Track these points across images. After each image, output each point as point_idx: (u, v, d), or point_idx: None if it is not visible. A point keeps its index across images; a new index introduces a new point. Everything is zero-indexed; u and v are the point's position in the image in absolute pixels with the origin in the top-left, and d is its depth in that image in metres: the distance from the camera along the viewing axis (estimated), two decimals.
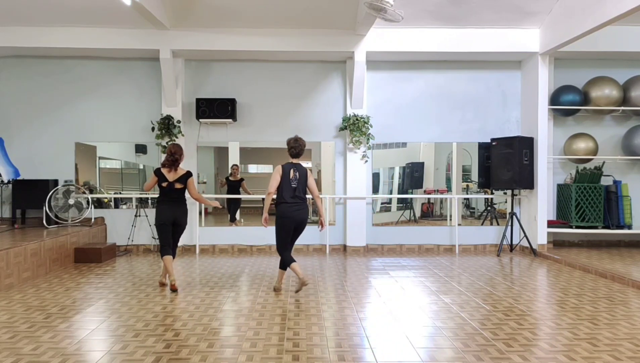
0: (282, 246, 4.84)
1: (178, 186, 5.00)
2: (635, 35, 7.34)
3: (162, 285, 5.25)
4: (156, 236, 7.64)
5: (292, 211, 4.72)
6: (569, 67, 7.85)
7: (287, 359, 3.10)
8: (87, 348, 3.33)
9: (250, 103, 7.81)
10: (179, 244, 5.52)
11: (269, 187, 4.75)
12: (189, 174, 5.08)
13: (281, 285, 5.05)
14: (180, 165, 5.08)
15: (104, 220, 7.71)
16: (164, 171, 5.00)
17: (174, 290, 4.94)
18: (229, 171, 8.10)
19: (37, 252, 5.72)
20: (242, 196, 8.24)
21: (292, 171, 4.75)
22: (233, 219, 8.27)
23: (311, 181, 4.89)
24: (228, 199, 8.21)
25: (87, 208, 7.39)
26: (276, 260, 6.93)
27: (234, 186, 8.08)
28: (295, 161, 4.85)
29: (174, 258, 5.14)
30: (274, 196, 4.83)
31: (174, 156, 4.96)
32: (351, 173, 7.66)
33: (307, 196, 4.94)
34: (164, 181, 4.98)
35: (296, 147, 4.82)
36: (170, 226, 5.03)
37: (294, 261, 4.79)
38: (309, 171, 4.88)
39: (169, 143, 5.00)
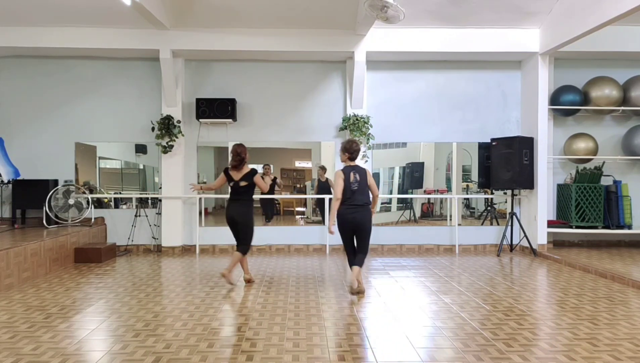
0: (345, 248, 4.92)
1: (243, 184, 5.09)
2: (635, 35, 7.34)
3: (248, 281, 5.37)
4: (156, 237, 7.68)
5: (347, 213, 4.69)
6: (569, 67, 7.85)
7: (287, 359, 3.10)
8: (87, 348, 3.33)
9: (250, 103, 7.82)
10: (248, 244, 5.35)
11: (336, 193, 4.71)
12: (253, 172, 5.13)
13: (357, 285, 4.76)
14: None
15: (104, 220, 7.71)
16: (231, 171, 5.14)
17: (227, 281, 5.22)
18: (262, 171, 8.11)
19: (37, 252, 5.72)
20: (276, 195, 8.31)
21: (352, 174, 4.74)
22: (270, 219, 8.31)
23: (371, 181, 4.82)
24: (262, 199, 8.24)
25: (87, 208, 7.39)
26: (276, 260, 6.94)
27: (270, 185, 8.10)
28: (353, 163, 4.85)
29: (244, 254, 5.20)
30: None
31: (240, 156, 5.09)
32: None
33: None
34: (230, 180, 5.13)
35: (358, 150, 4.87)
36: (234, 224, 5.15)
37: (353, 265, 4.79)
38: (368, 171, 4.88)
39: (234, 144, 5.25)
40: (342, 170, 4.78)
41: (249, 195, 5.17)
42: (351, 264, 4.84)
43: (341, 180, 4.71)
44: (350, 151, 4.82)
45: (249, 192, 5.16)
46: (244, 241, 5.19)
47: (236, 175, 5.11)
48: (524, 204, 7.85)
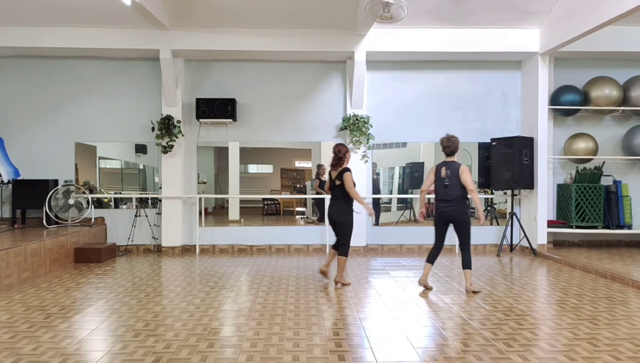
0: (435, 242, 5.11)
1: (338, 183, 5.13)
2: (635, 35, 7.34)
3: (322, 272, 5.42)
4: (156, 237, 7.67)
5: (440, 208, 4.94)
6: (569, 67, 7.85)
7: (287, 359, 3.10)
8: (87, 348, 3.33)
9: (250, 103, 7.81)
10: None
11: (422, 185, 5.13)
12: (344, 169, 5.14)
13: (425, 279, 5.08)
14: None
15: (104, 220, 7.71)
16: (332, 171, 5.22)
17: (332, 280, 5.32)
18: (316, 172, 8.09)
19: (37, 252, 5.72)
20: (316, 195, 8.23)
21: (443, 169, 4.91)
22: (322, 219, 8.24)
23: (465, 177, 4.80)
24: (316, 199, 8.23)
25: (87, 208, 7.39)
26: (276, 260, 6.93)
27: (323, 186, 8.05)
28: (449, 159, 4.96)
29: (343, 256, 5.22)
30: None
31: (337, 156, 5.18)
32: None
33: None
34: (331, 179, 5.23)
35: (449, 146, 4.91)
36: (332, 223, 5.24)
37: (430, 263, 5.05)
38: (462, 167, 4.84)
39: (336, 144, 5.33)
40: (436, 165, 5.03)
41: (344, 194, 5.14)
42: (429, 260, 5.06)
43: (432, 174, 5.01)
44: (442, 146, 4.96)
45: (344, 191, 5.13)
46: (340, 240, 5.20)
47: (334, 174, 5.20)
48: (524, 204, 7.85)
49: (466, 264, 4.91)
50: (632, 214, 7.61)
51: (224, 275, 5.85)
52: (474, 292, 4.91)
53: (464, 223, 4.87)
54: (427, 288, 5.07)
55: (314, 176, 8.26)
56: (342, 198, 5.14)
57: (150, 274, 5.89)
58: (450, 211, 4.86)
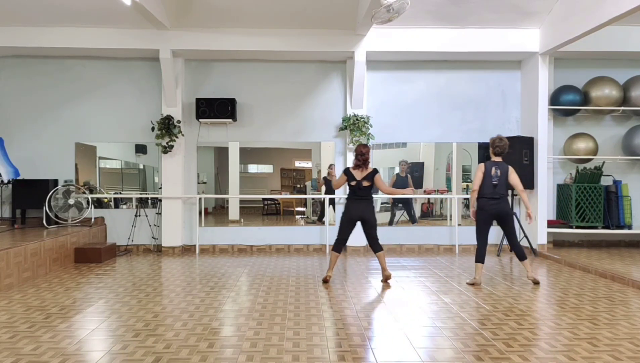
0: (478, 237, 5.24)
1: (366, 184, 5.21)
2: (635, 35, 7.34)
3: (325, 281, 5.36)
4: (156, 237, 7.66)
5: (488, 205, 5.10)
6: (569, 67, 7.85)
7: (287, 359, 3.10)
8: (87, 348, 3.33)
9: (250, 103, 7.81)
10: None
11: (473, 185, 5.17)
12: (375, 171, 5.25)
13: (478, 278, 5.26)
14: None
15: (104, 220, 7.71)
16: (354, 171, 5.27)
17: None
18: (327, 171, 8.09)
19: (37, 252, 5.72)
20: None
21: (493, 168, 5.09)
22: (321, 219, 8.28)
23: (513, 177, 5.16)
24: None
25: (87, 208, 7.39)
26: (276, 260, 6.93)
27: (329, 186, 8.03)
28: (497, 159, 5.16)
29: (376, 249, 5.33)
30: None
31: (364, 156, 5.23)
32: None
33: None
34: (352, 180, 5.24)
35: (500, 146, 5.14)
36: (354, 224, 5.29)
37: (482, 262, 5.19)
38: (510, 168, 5.16)
39: (357, 144, 5.54)
40: (484, 164, 5.13)
41: (371, 194, 5.31)
42: (479, 258, 5.20)
43: (480, 173, 5.10)
44: (493, 146, 5.16)
45: (371, 191, 5.29)
46: (376, 238, 5.32)
47: (358, 175, 5.23)
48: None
49: (522, 256, 5.27)
50: (632, 214, 7.61)
51: (224, 275, 5.85)
52: (535, 283, 5.23)
53: (511, 217, 5.20)
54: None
55: (316, 176, 8.23)
56: (370, 197, 5.30)
57: (150, 274, 5.89)
58: (500, 206, 5.07)
